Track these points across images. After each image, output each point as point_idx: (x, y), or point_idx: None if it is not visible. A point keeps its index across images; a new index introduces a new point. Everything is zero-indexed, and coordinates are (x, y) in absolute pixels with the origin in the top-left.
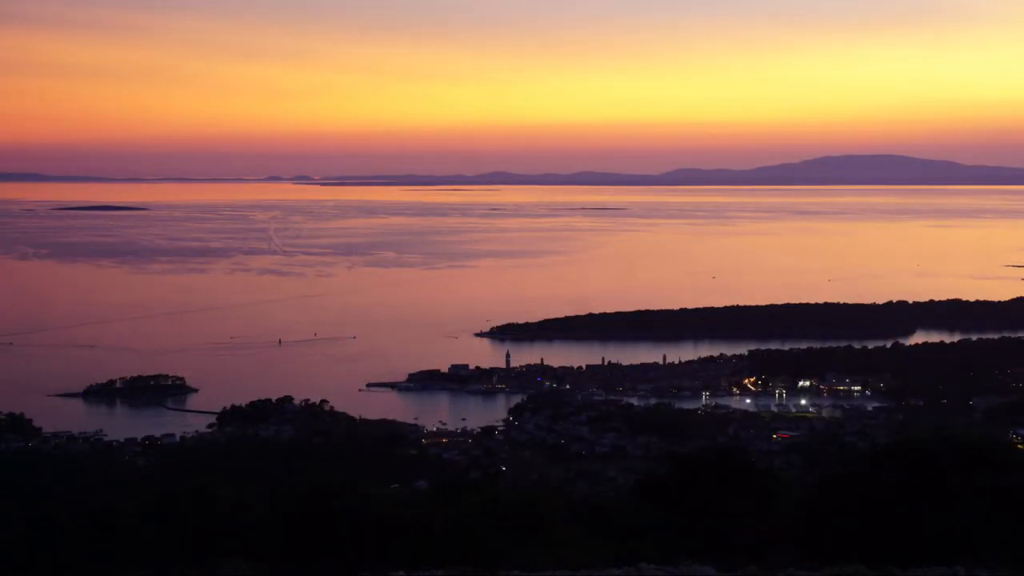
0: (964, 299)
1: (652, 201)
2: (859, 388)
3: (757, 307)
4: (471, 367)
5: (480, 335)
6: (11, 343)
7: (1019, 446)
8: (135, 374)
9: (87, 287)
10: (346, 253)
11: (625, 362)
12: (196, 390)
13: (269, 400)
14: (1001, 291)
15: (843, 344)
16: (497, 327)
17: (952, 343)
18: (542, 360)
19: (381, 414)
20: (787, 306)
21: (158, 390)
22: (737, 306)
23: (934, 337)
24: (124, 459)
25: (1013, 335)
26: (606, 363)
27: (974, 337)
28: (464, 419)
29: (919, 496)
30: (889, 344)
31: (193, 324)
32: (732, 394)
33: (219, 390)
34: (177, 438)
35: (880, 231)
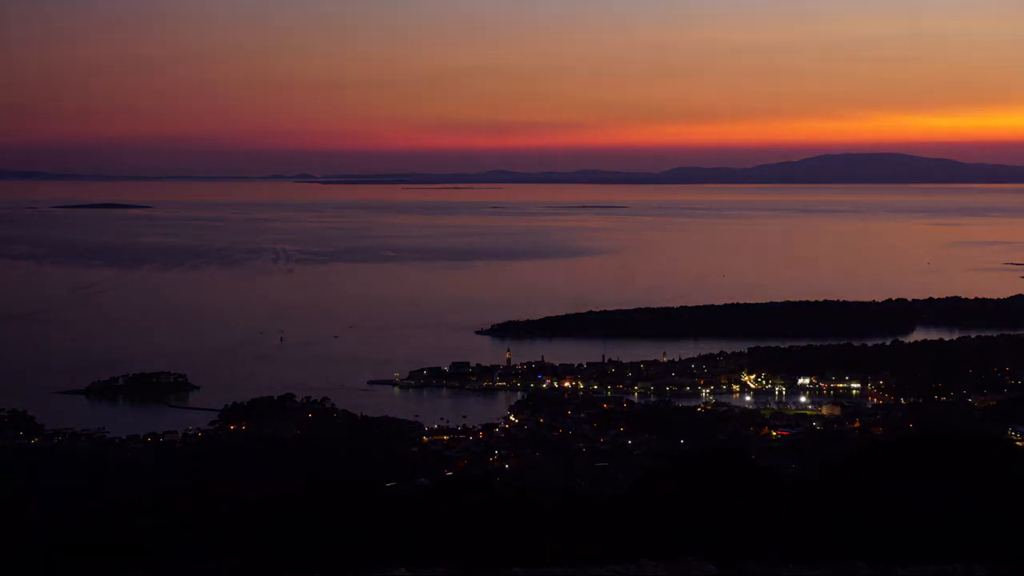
0: (963, 296)
1: (674, 199)
2: (858, 386)
3: (757, 304)
4: (472, 365)
5: (481, 332)
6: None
7: (1018, 443)
8: (137, 371)
9: (90, 285)
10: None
11: (625, 359)
12: (198, 387)
13: (271, 397)
14: (1000, 289)
15: (843, 342)
16: (498, 324)
17: (951, 341)
18: (543, 358)
19: (382, 411)
20: (787, 304)
21: (160, 387)
22: (737, 304)
23: (933, 335)
24: (126, 456)
25: (1012, 333)
26: (606, 360)
27: (973, 335)
28: (465, 416)
29: (918, 493)
30: (888, 342)
31: (197, 323)
32: (732, 391)
33: (221, 387)
34: (179, 435)
35: (890, 229)
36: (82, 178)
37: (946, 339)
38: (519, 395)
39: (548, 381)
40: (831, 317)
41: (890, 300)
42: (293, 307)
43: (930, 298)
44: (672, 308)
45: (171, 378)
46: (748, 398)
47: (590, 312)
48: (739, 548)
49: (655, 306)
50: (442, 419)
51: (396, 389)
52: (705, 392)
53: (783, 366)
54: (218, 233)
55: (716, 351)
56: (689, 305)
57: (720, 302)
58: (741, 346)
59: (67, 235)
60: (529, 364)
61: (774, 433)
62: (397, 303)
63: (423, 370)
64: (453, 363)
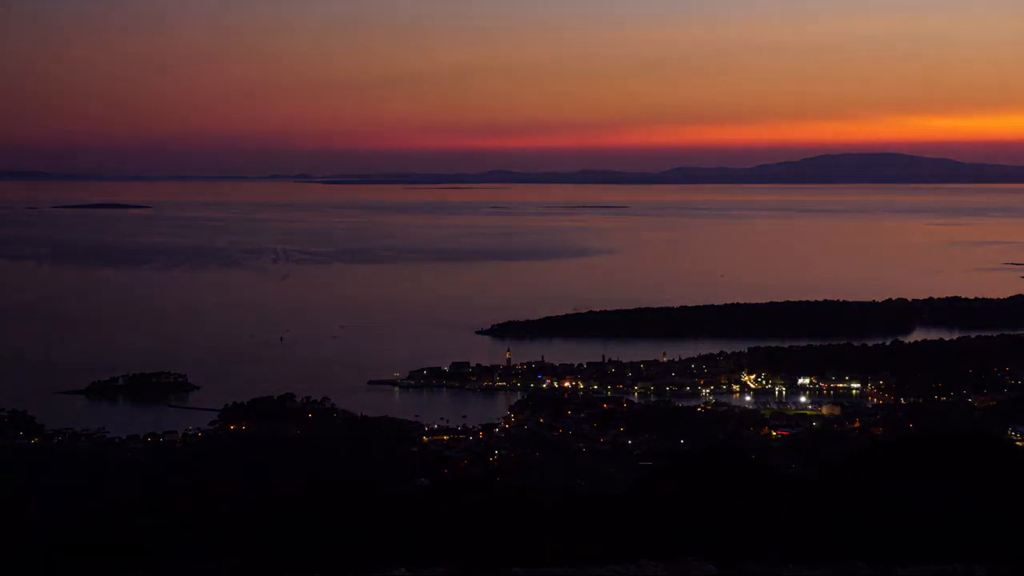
0: (963, 296)
1: (674, 199)
2: (858, 386)
3: (757, 304)
4: (472, 365)
5: (481, 332)
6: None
7: (1017, 443)
8: (137, 371)
9: (90, 285)
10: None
11: (625, 359)
12: (198, 387)
13: (271, 397)
14: (1000, 289)
15: (843, 342)
16: (498, 325)
17: (951, 340)
18: (543, 358)
19: (382, 411)
20: (787, 304)
21: (160, 387)
22: (737, 304)
23: (933, 335)
24: (126, 456)
25: (1012, 333)
26: (606, 360)
27: (973, 335)
28: (465, 416)
29: (918, 493)
30: (888, 342)
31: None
32: (732, 391)
33: (221, 387)
34: (179, 435)
35: (891, 229)
36: (82, 178)
37: (946, 339)
38: (519, 395)
39: (548, 381)
40: (831, 317)
41: (890, 300)
42: (293, 307)
43: (930, 298)
44: (672, 308)
45: (171, 378)
46: (748, 398)
47: (590, 312)
48: (739, 548)
49: (655, 306)
50: (442, 419)
51: (396, 389)
52: (705, 392)
53: (783, 366)
54: (218, 233)
55: (716, 351)
56: (689, 305)
57: (720, 302)
58: (741, 346)
59: (67, 235)
60: (529, 364)
61: (774, 433)
62: (397, 303)
63: (423, 370)
64: (453, 363)
